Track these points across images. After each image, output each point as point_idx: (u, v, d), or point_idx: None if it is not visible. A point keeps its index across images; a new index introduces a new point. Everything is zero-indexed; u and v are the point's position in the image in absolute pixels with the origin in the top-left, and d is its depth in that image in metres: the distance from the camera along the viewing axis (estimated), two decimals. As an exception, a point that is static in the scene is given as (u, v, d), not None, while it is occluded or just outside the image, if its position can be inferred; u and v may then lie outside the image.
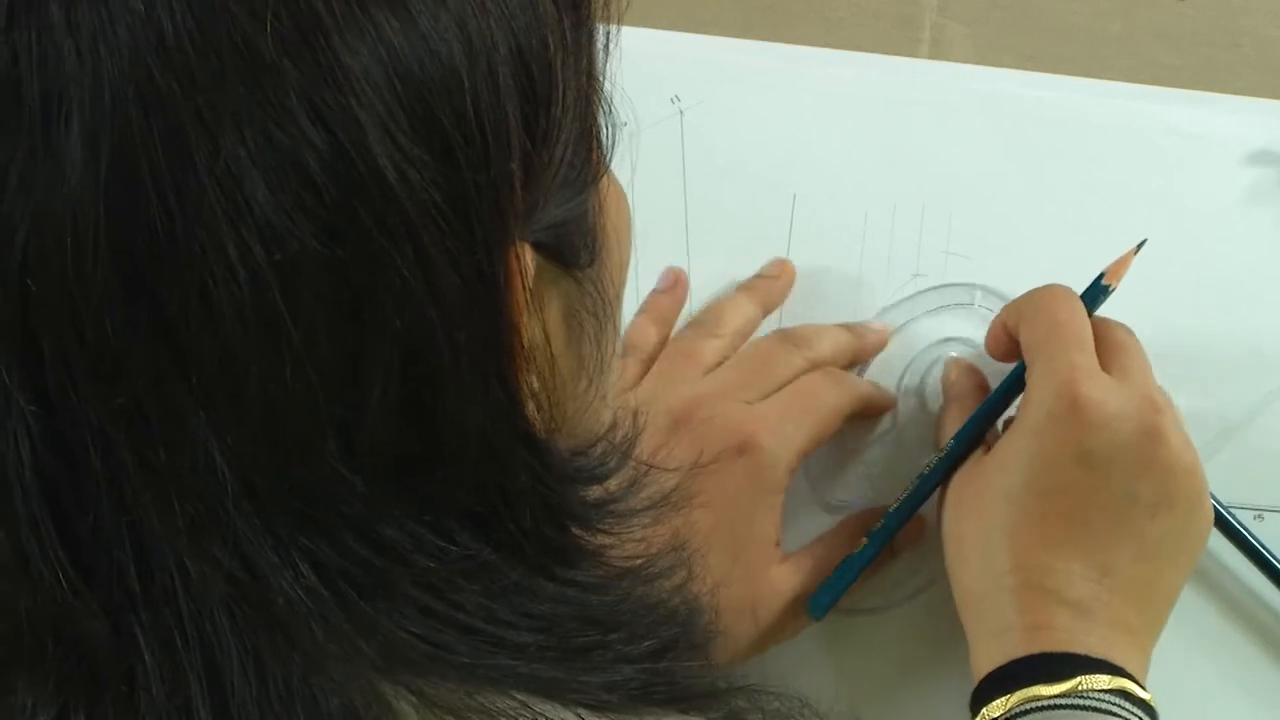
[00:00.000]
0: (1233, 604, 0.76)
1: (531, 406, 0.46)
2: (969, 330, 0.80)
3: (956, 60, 0.89)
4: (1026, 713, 0.64)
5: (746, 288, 0.82)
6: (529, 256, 0.44)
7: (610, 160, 0.49)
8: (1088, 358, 0.69)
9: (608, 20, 0.48)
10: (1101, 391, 0.68)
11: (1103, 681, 0.64)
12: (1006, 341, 0.74)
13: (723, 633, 0.69)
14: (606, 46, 0.48)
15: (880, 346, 0.80)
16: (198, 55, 0.38)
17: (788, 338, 0.78)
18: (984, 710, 0.66)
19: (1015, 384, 0.73)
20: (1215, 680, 0.76)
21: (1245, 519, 0.76)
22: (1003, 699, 0.65)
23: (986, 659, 0.67)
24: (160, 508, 0.40)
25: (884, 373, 0.81)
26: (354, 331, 0.40)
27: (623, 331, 0.54)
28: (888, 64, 0.89)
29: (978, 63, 0.88)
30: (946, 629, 0.73)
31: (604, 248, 0.49)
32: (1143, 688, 0.65)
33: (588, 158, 0.47)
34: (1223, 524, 0.75)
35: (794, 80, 0.88)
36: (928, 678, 0.76)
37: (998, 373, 0.76)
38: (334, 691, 0.42)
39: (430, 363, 0.41)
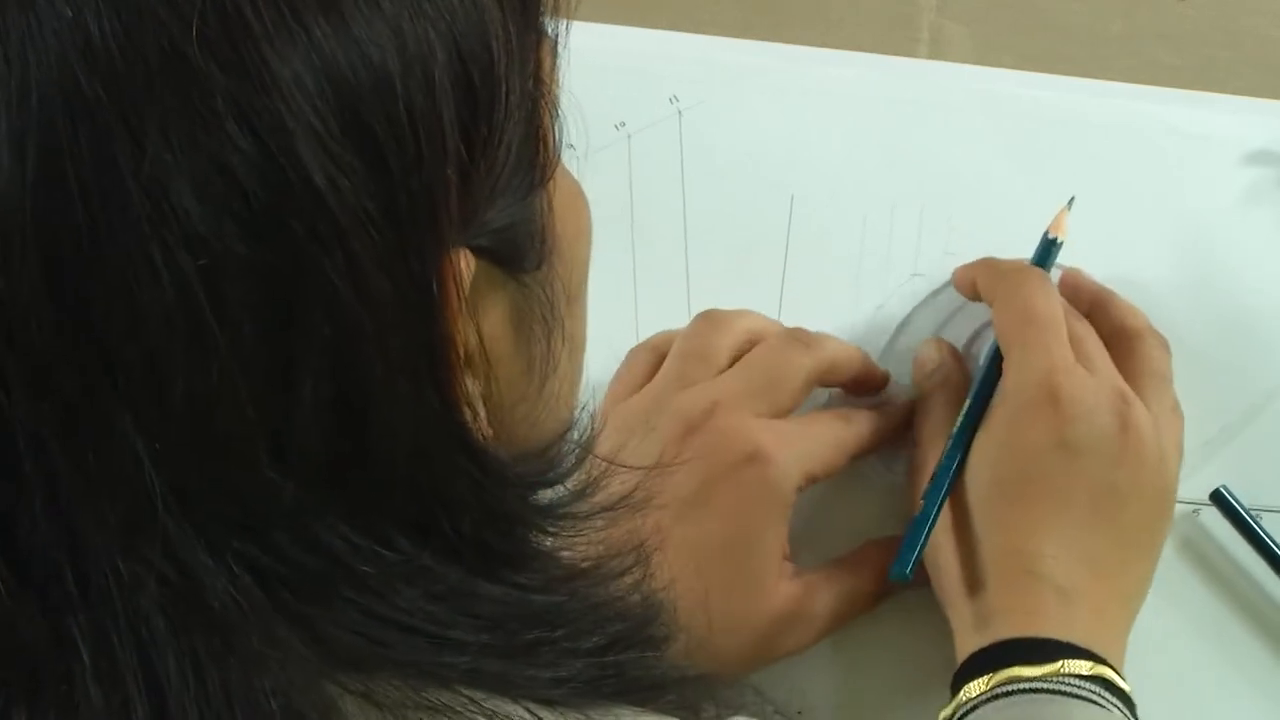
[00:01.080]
0: (1245, 604, 0.76)
1: (469, 413, 0.45)
2: None
3: (956, 60, 0.88)
4: (1008, 694, 0.64)
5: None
6: (465, 262, 0.44)
7: (556, 164, 0.48)
8: (1063, 349, 0.70)
9: (557, 20, 0.47)
10: (1078, 385, 0.69)
11: (1084, 667, 0.65)
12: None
13: (723, 643, 0.69)
14: (555, 47, 0.48)
15: (880, 386, 0.79)
16: (125, 61, 0.38)
17: (796, 336, 0.77)
18: (964, 688, 0.66)
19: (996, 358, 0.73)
20: (1222, 677, 0.75)
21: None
22: (984, 678, 0.65)
23: (970, 641, 0.68)
24: (93, 510, 0.40)
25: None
26: (282, 338, 0.40)
27: (587, 330, 0.54)
28: (887, 64, 0.89)
29: (977, 63, 0.88)
30: (933, 629, 0.73)
31: (553, 249, 0.49)
32: (1122, 677, 0.66)
33: (533, 161, 0.47)
34: (1240, 524, 0.75)
35: (793, 80, 0.88)
36: (913, 676, 0.76)
37: None
38: (275, 692, 0.42)
39: (361, 370, 0.41)
